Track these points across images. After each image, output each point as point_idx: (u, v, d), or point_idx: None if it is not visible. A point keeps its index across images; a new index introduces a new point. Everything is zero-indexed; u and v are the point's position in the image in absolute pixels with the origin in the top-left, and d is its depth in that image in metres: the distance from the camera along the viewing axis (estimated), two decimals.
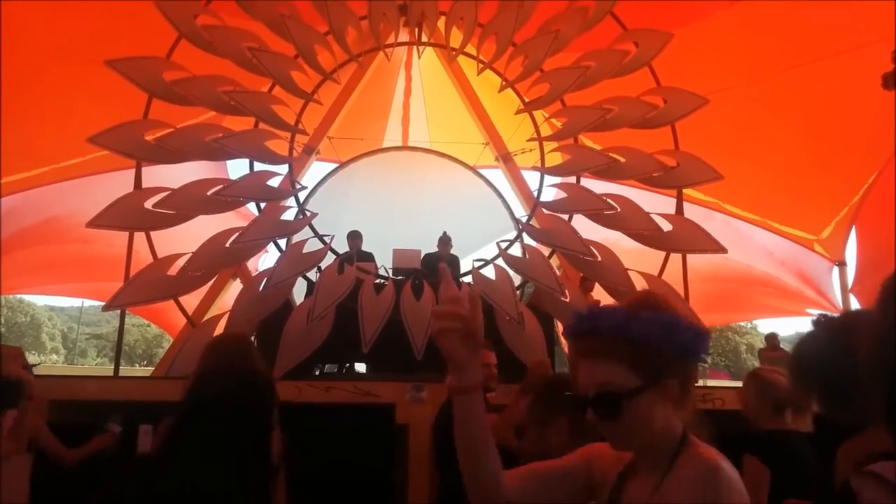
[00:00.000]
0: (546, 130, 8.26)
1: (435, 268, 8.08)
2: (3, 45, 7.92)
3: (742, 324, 49.58)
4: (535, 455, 2.32)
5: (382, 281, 7.60)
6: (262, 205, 7.67)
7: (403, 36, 8.82)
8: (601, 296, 7.72)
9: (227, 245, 7.05)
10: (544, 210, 8.00)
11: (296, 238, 7.62)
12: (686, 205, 7.92)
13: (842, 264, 11.07)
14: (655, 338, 1.42)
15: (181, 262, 6.92)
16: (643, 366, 1.43)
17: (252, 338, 6.85)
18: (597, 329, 1.47)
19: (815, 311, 11.93)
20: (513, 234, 8.41)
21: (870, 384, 0.95)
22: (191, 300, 7.42)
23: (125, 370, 9.42)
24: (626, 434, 1.45)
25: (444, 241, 8.63)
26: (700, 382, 7.34)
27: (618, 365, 1.43)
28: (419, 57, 9.60)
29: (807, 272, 11.64)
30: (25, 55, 8.54)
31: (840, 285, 11.09)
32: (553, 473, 1.60)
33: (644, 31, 7.84)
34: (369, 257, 8.51)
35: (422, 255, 8.36)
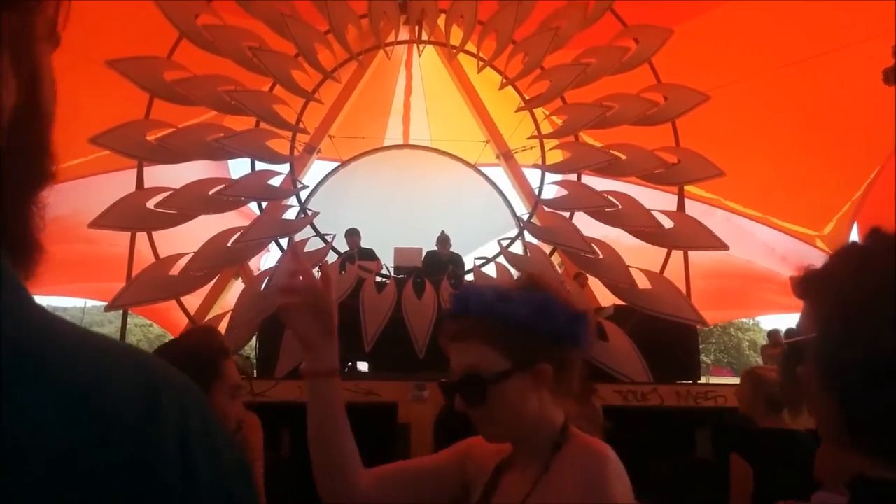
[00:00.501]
0: (547, 128, 8.26)
1: (437, 267, 8.09)
2: None
3: (744, 320, 49.38)
4: None
5: (384, 279, 7.61)
6: (264, 204, 7.68)
7: (404, 34, 8.81)
8: (602, 295, 7.72)
9: (229, 245, 7.07)
10: (545, 207, 8.01)
11: (297, 237, 7.63)
12: (687, 201, 7.92)
13: None
14: (525, 318, 1.32)
15: (183, 261, 6.93)
16: (512, 348, 1.32)
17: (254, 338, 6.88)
18: (467, 309, 1.37)
19: None
20: (514, 232, 8.42)
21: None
22: (193, 300, 7.44)
23: None
24: (495, 422, 1.34)
25: (443, 240, 8.62)
26: (703, 380, 7.35)
27: (485, 347, 1.33)
28: (419, 55, 9.60)
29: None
30: None
31: None
32: (422, 471, 1.50)
33: (644, 27, 7.83)
34: (371, 254, 8.51)
35: (423, 254, 8.36)
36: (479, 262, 7.77)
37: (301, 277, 1.37)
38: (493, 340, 1.32)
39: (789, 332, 1.05)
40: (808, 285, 1.01)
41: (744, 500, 3.37)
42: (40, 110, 0.51)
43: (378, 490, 1.41)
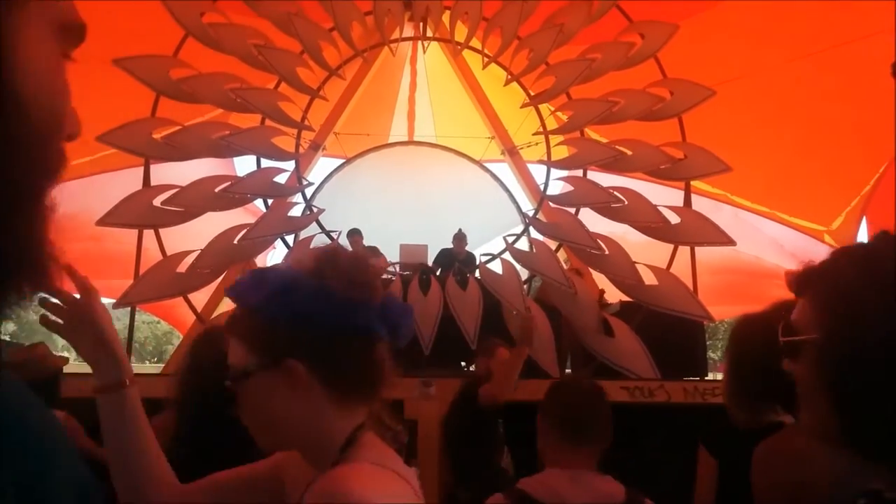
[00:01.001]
0: (552, 124, 8.25)
1: (450, 263, 8.11)
2: None
3: None
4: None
5: (389, 276, 7.61)
6: (270, 201, 7.69)
7: (408, 31, 8.81)
8: (608, 291, 7.71)
9: (236, 242, 7.09)
10: (551, 204, 7.99)
11: (303, 234, 7.64)
12: (694, 197, 7.89)
13: None
14: (265, 304, 1.15)
15: (190, 259, 6.95)
16: (257, 342, 1.16)
17: None
18: (234, 299, 1.22)
19: None
20: (519, 228, 8.42)
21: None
22: (200, 297, 7.45)
23: (136, 367, 9.44)
24: (253, 426, 1.18)
25: (459, 237, 8.61)
26: (710, 376, 7.33)
27: (238, 342, 1.18)
28: (424, 52, 9.59)
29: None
30: None
31: None
32: (234, 483, 1.31)
33: (649, 22, 7.81)
34: (374, 252, 8.53)
35: (428, 251, 8.37)
36: (484, 259, 7.77)
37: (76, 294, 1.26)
38: (243, 334, 1.18)
39: (785, 329, 1.03)
40: (807, 282, 1.00)
41: (702, 493, 3.39)
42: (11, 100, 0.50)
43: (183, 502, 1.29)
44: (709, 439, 3.32)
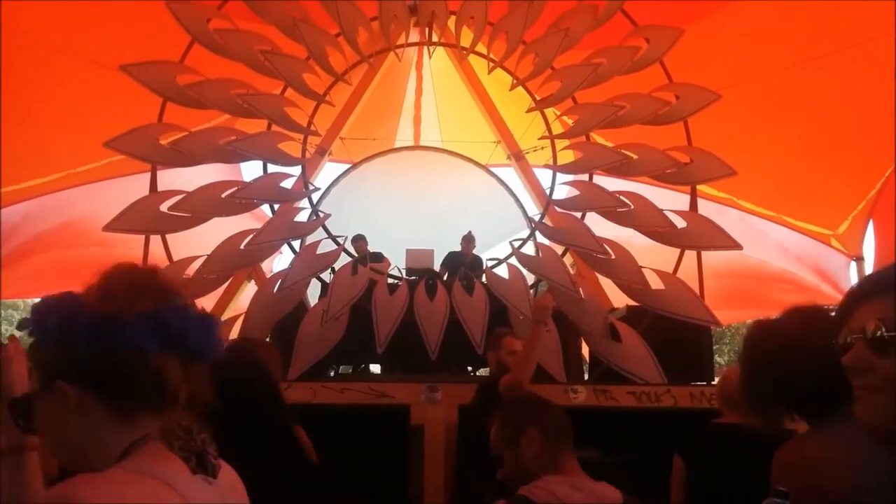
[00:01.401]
0: (558, 128, 8.25)
1: (458, 266, 8.11)
2: (18, 51, 8.01)
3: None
4: (518, 477, 2.34)
5: (396, 281, 7.62)
6: (276, 206, 7.71)
7: (414, 36, 8.83)
8: (615, 295, 7.69)
9: (242, 247, 7.10)
10: (557, 208, 7.99)
11: (309, 239, 7.66)
12: (700, 201, 7.88)
13: (860, 259, 10.96)
14: (37, 331, 1.16)
15: (197, 264, 6.97)
16: (36, 367, 1.19)
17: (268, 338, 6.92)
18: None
19: (834, 308, 11.91)
20: (526, 233, 8.41)
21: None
22: (206, 302, 7.47)
23: None
24: (50, 449, 1.20)
25: (468, 239, 8.62)
26: (717, 381, 7.29)
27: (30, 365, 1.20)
28: (430, 57, 9.61)
29: (824, 268, 11.54)
30: (39, 61, 8.62)
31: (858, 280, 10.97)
32: None
33: (654, 27, 7.80)
34: (378, 257, 8.55)
35: (434, 255, 8.38)
36: (490, 263, 7.77)
37: None
38: (30, 361, 1.21)
39: (889, 324, 1.06)
40: (885, 283, 1.03)
41: (675, 495, 3.42)
42: None
43: None
44: (681, 446, 3.39)
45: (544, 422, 2.39)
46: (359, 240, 8.66)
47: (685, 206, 7.66)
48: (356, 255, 8.41)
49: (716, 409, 3.74)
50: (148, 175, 7.38)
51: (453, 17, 8.28)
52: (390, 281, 7.45)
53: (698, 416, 5.70)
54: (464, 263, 8.43)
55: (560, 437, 2.37)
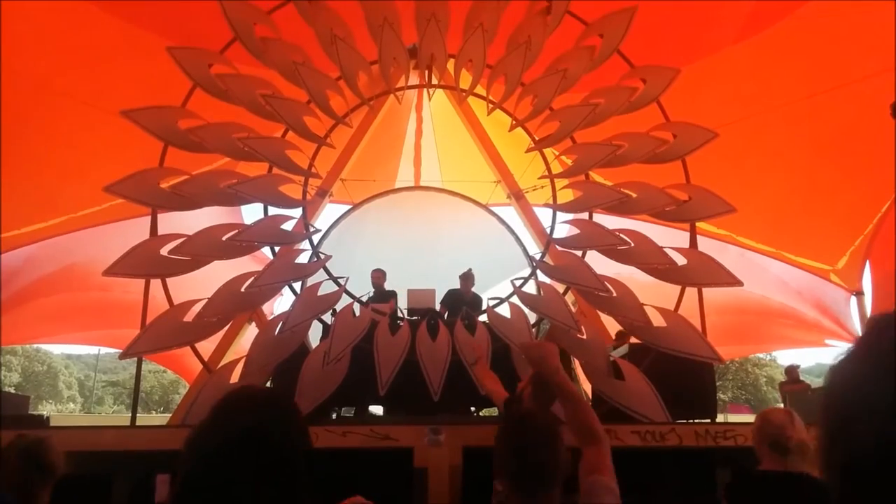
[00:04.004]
0: (557, 167, 8.30)
1: (458, 304, 8.08)
2: (21, 97, 8.09)
3: (761, 356, 49.03)
4: None
5: (398, 321, 7.60)
6: (277, 248, 7.72)
7: (413, 78, 8.94)
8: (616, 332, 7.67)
9: (243, 290, 7.09)
10: (558, 247, 8.00)
11: (310, 281, 7.65)
12: (699, 238, 7.90)
13: (860, 294, 10.97)
14: None
15: (197, 307, 6.95)
16: None
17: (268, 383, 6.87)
18: None
19: (835, 342, 11.84)
20: (527, 272, 8.41)
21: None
22: (207, 345, 7.44)
23: (142, 417, 9.43)
24: None
25: (466, 276, 8.60)
26: (720, 418, 7.23)
27: None
28: (429, 99, 9.71)
29: (824, 302, 11.54)
30: (42, 106, 8.71)
31: (859, 315, 10.98)
32: None
33: (651, 67, 7.90)
34: (391, 295, 8.55)
35: (436, 295, 8.36)
36: (492, 303, 7.75)
37: None
38: None
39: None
40: None
41: None
42: None
43: None
44: (729, 491, 3.25)
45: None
46: (377, 272, 8.69)
47: (685, 243, 7.67)
48: (372, 286, 8.40)
49: (720, 448, 3.69)
50: (148, 218, 7.40)
51: (452, 60, 8.39)
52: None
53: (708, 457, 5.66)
54: (464, 302, 8.41)
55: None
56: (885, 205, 9.81)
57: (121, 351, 6.93)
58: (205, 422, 1.51)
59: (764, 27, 8.94)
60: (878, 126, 7.33)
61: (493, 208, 9.99)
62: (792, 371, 11.86)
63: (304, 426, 1.56)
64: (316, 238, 8.27)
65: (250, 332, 7.59)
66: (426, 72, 8.83)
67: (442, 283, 8.65)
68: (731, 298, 10.07)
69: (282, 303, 9.16)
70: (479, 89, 8.39)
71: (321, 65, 7.84)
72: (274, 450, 1.45)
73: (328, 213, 9.49)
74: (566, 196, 8.16)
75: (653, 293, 7.61)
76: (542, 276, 7.85)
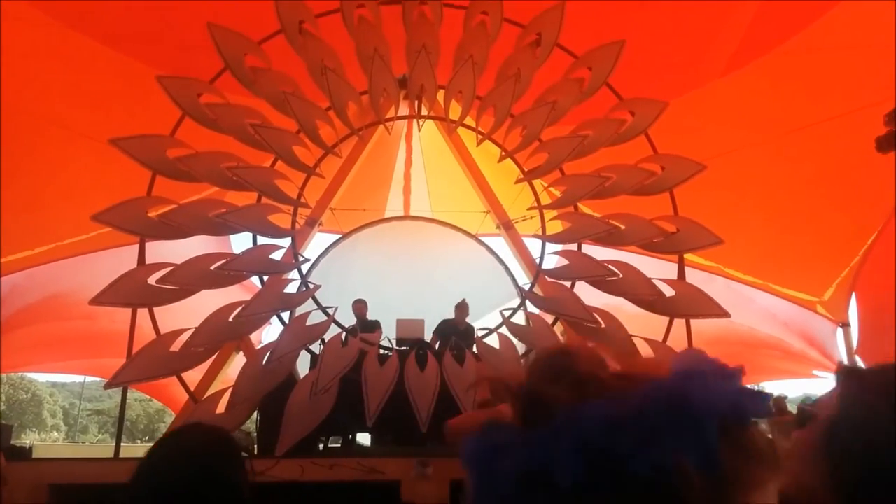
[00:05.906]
0: (546, 199, 8.33)
1: (451, 334, 8.04)
2: (8, 125, 8.07)
3: (748, 387, 49.03)
4: None
5: (386, 352, 7.55)
6: (265, 277, 7.68)
7: (403, 109, 8.97)
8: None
9: (231, 319, 7.04)
10: (547, 277, 8.01)
11: (299, 310, 7.61)
12: (687, 269, 7.92)
13: (846, 325, 11.00)
14: None
15: (184, 337, 6.89)
16: None
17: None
18: None
19: (822, 373, 11.84)
20: (516, 302, 8.40)
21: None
22: (193, 374, 7.37)
23: (126, 446, 9.29)
24: None
25: (461, 307, 8.56)
26: None
27: None
28: (419, 129, 9.75)
29: (811, 334, 11.56)
30: (29, 135, 8.69)
31: (845, 346, 11.00)
32: None
33: (639, 100, 7.97)
34: (375, 325, 8.48)
35: (424, 325, 8.31)
36: (481, 333, 7.72)
37: None
38: None
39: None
40: None
41: None
42: None
43: None
44: None
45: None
46: (358, 302, 8.64)
47: (673, 274, 7.69)
48: (355, 317, 8.34)
49: None
50: (136, 247, 7.35)
51: (442, 91, 8.44)
52: (381, 351, 7.39)
53: None
54: (457, 332, 8.36)
55: None
56: (871, 237, 9.88)
57: (106, 381, 6.85)
58: (155, 457, 1.49)
59: (750, 60, 9.05)
60: (864, 159, 7.41)
61: (482, 238, 9.99)
62: (779, 402, 11.82)
63: (244, 466, 1.58)
64: (305, 268, 8.24)
65: (237, 362, 7.53)
66: (416, 102, 8.87)
67: (431, 313, 8.61)
68: (719, 329, 10.07)
69: (270, 332, 9.09)
70: (469, 120, 8.44)
71: (311, 95, 7.87)
72: (224, 488, 1.44)
73: (317, 243, 9.46)
74: (555, 227, 8.19)
75: (641, 324, 7.61)
76: (531, 307, 7.84)
